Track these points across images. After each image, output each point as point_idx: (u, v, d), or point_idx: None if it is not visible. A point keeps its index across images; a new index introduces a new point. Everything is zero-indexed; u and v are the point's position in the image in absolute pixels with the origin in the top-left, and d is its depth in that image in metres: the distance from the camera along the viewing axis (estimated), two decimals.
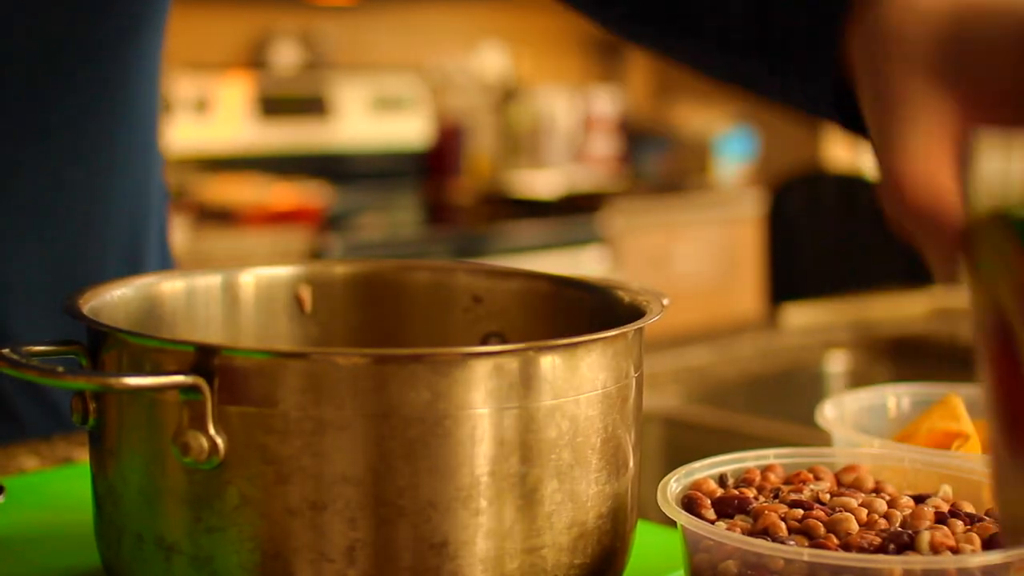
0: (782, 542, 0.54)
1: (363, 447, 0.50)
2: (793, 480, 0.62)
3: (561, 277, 0.71)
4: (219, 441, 0.51)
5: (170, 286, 0.68)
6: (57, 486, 0.79)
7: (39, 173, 0.88)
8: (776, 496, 0.59)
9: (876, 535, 0.54)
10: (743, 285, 3.62)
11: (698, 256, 3.53)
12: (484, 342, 0.71)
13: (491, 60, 3.78)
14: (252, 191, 2.98)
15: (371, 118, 3.51)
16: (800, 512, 0.57)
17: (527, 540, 0.53)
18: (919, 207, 0.50)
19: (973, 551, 0.53)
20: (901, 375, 1.44)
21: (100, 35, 0.87)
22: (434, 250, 2.87)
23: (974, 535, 0.54)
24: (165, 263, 1.00)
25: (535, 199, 3.49)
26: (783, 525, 0.55)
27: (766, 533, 0.55)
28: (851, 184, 2.71)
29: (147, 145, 0.96)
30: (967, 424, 0.71)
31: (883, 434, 0.78)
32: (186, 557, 0.52)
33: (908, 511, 0.57)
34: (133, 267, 0.94)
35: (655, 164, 4.03)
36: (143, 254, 0.96)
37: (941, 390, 0.79)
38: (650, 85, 4.36)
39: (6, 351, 0.52)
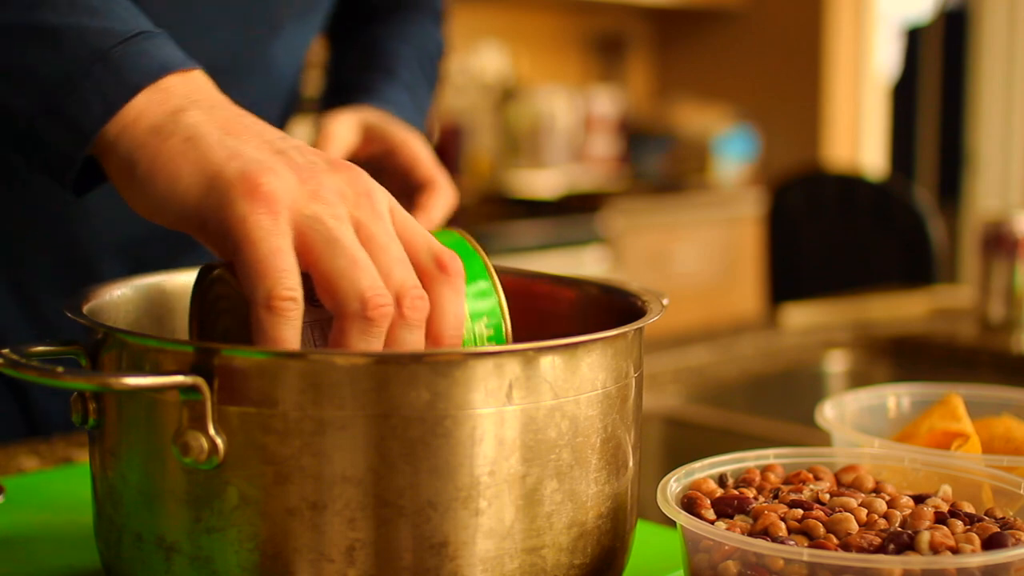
0: (782, 542, 0.54)
1: (363, 447, 0.50)
2: (793, 480, 0.62)
3: (561, 277, 0.71)
4: (219, 441, 0.51)
5: (170, 286, 0.68)
6: (57, 486, 0.79)
7: None
8: (776, 496, 0.59)
9: (876, 535, 0.54)
10: (743, 285, 3.62)
11: (698, 256, 3.53)
12: None
13: (491, 60, 3.78)
14: None
15: None
16: (800, 512, 0.57)
17: (527, 540, 0.53)
18: None
19: (973, 551, 0.53)
20: (901, 375, 1.44)
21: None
22: None
23: (974, 535, 0.54)
24: None
25: (535, 199, 3.49)
26: (783, 525, 0.55)
27: (766, 533, 0.55)
28: (851, 184, 2.71)
29: None
30: (967, 424, 0.71)
31: (883, 434, 0.78)
32: (186, 557, 0.52)
33: (908, 511, 0.57)
34: None
35: (655, 164, 4.03)
36: None
37: (941, 390, 0.79)
38: (650, 85, 4.36)
39: (6, 351, 0.52)
